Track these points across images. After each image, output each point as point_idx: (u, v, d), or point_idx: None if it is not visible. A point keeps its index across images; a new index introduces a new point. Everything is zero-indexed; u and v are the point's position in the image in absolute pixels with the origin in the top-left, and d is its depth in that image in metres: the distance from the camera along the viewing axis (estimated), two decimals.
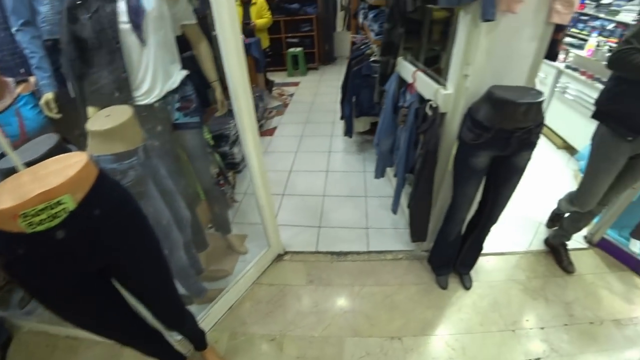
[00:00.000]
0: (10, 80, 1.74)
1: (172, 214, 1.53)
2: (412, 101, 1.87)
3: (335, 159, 3.38)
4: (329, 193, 2.89)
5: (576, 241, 2.28)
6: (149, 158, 1.37)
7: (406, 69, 2.09)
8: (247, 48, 4.13)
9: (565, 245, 2.20)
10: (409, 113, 1.87)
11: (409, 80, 2.00)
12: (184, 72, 1.69)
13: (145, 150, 1.34)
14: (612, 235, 2.25)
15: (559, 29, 1.46)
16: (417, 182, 1.73)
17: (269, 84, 5.19)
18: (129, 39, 1.44)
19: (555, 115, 3.53)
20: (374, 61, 2.81)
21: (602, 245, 2.28)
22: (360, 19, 4.25)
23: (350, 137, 3.29)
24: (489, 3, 1.20)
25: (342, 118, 3.30)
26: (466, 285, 2.02)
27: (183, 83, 1.67)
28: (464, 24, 1.44)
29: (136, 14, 1.42)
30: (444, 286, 2.03)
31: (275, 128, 4.19)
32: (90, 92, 1.52)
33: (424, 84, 1.80)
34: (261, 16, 4.63)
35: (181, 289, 1.64)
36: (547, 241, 2.30)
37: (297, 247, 2.40)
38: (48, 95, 1.73)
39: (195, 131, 1.80)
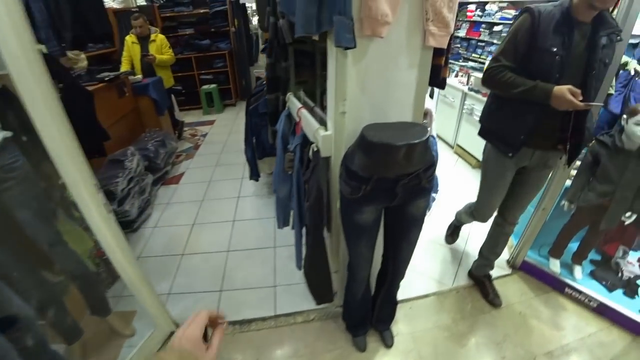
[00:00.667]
0: None
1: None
2: (297, 143, 1.62)
3: (243, 206, 3.04)
4: (234, 247, 2.53)
5: (500, 268, 2.20)
6: None
7: (294, 106, 1.86)
8: (145, 89, 3.74)
9: (489, 276, 2.10)
10: (294, 157, 1.61)
11: (294, 114, 1.77)
12: (1, 135, 1.35)
13: None
14: (532, 256, 2.21)
15: (439, 54, 1.32)
16: (308, 239, 1.46)
17: (178, 125, 4.78)
18: None
19: (467, 136, 3.75)
20: None
21: (525, 268, 2.22)
22: None
23: (257, 180, 3.00)
24: (343, 27, 0.99)
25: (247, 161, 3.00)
26: (387, 343, 1.76)
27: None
28: (331, 54, 1.23)
29: None
30: (362, 348, 1.75)
31: (182, 174, 3.76)
32: None
33: (308, 123, 1.57)
34: (162, 54, 4.27)
35: None
36: (470, 274, 2.18)
37: None
38: None
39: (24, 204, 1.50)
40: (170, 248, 2.61)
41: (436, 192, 2.75)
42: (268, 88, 2.03)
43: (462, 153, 3.83)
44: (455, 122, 3.90)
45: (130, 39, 4.06)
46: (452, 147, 4.07)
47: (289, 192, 2.01)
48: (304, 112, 1.66)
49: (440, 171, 3.05)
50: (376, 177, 1.10)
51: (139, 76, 3.89)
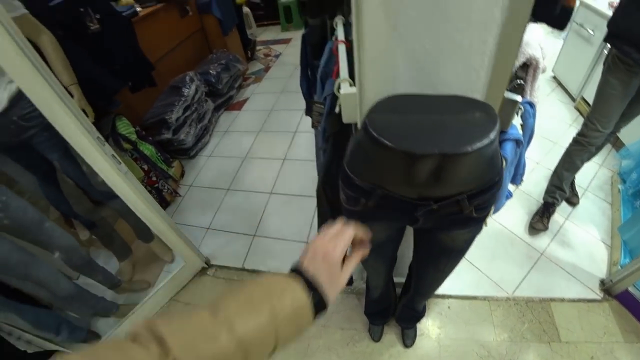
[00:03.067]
0: None
1: (46, 246, 1.49)
2: (329, 93, 1.26)
3: (298, 143, 2.80)
4: (277, 189, 2.37)
5: (587, 287, 1.62)
6: None
7: (339, 34, 1.44)
8: (207, 6, 3.47)
9: (552, 205, 1.87)
10: (323, 111, 1.26)
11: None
12: (15, 85, 1.30)
13: None
14: None
15: None
16: (319, 220, 1.18)
17: (250, 45, 4.51)
18: None
19: None
20: None
21: (624, 300, 1.55)
22: None
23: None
24: None
25: None
26: (406, 342, 1.51)
27: (16, 99, 1.34)
28: None
29: None
30: (375, 338, 1.54)
31: (246, 100, 3.61)
32: None
33: (341, 66, 1.18)
34: None
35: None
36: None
37: (224, 259, 2.00)
38: None
39: (52, 149, 1.54)
40: (219, 181, 2.57)
41: (510, 195, 2.12)
42: (309, 10, 1.61)
43: (585, 110, 2.71)
44: (587, 64, 2.63)
45: None
46: (573, 99, 2.91)
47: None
48: (342, 49, 1.25)
49: (544, 132, 2.38)
50: (381, 193, 0.72)
51: None
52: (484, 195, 0.72)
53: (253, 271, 1.90)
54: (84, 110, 1.56)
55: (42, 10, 1.66)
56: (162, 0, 3.00)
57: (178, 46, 3.22)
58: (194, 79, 3.00)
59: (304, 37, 2.25)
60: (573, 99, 2.91)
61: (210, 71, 3.25)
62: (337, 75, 1.32)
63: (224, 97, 3.42)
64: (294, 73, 4.00)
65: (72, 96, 1.53)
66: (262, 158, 2.70)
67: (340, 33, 1.41)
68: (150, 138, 2.57)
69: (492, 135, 0.63)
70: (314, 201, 2.20)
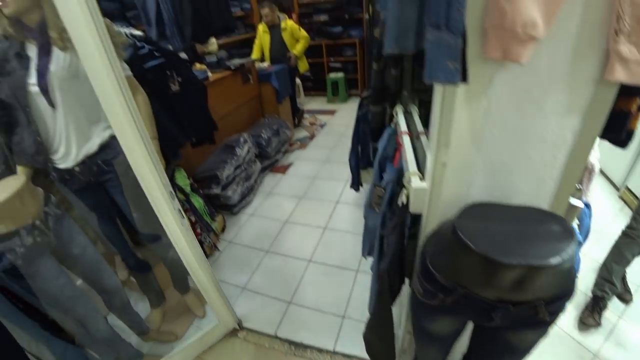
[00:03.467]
0: None
1: (93, 284, 1.57)
2: (391, 179, 1.34)
3: (340, 213, 2.86)
4: (316, 258, 2.39)
5: None
6: (52, 229, 1.33)
7: (401, 124, 1.56)
8: (268, 76, 3.82)
9: (602, 299, 1.77)
10: (384, 195, 1.33)
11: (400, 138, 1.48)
12: (108, 133, 1.52)
13: (38, 226, 1.26)
14: None
15: (629, 93, 0.82)
16: (370, 306, 1.19)
17: (298, 113, 4.83)
18: (40, 102, 1.35)
19: None
20: None
21: None
22: None
23: (357, 190, 2.77)
24: (440, 50, 0.63)
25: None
26: None
27: (105, 146, 1.52)
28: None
29: (41, 76, 1.31)
30: None
31: (290, 165, 3.78)
32: (15, 152, 1.48)
33: (407, 158, 1.26)
34: (297, 39, 4.33)
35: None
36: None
37: (256, 323, 1.98)
38: None
39: (121, 193, 1.66)
40: (259, 241, 2.62)
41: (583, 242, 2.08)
42: (373, 98, 1.76)
43: (630, 201, 2.70)
44: (631, 153, 2.68)
45: (261, 27, 4.23)
46: (617, 188, 2.90)
47: (379, 224, 1.74)
48: (407, 140, 1.35)
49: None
50: (462, 292, 0.75)
51: (266, 64, 4.01)
52: (559, 301, 0.75)
53: (285, 341, 1.86)
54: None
55: (138, 70, 1.90)
56: (230, 68, 3.35)
57: (236, 109, 3.52)
58: (247, 141, 3.22)
59: (359, 118, 2.42)
60: (617, 188, 2.89)
61: (262, 134, 3.49)
62: (398, 162, 1.41)
63: (271, 160, 3.61)
64: (338, 144, 4.20)
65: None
66: (303, 224, 2.76)
67: (402, 123, 1.52)
68: (201, 191, 2.72)
69: (572, 249, 0.67)
70: (353, 275, 2.23)
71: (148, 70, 2.00)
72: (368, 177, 2.64)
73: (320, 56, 5.96)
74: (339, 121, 4.99)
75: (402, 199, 1.15)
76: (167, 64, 2.08)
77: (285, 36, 4.31)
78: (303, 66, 4.62)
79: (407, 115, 1.68)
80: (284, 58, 4.28)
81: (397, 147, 1.51)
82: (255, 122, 3.84)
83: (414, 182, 1.05)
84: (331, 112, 5.36)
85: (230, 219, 2.94)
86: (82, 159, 1.49)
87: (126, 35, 1.95)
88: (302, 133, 4.61)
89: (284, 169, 3.68)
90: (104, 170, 1.55)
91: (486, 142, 0.86)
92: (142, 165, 1.31)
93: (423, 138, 1.42)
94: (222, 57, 4.53)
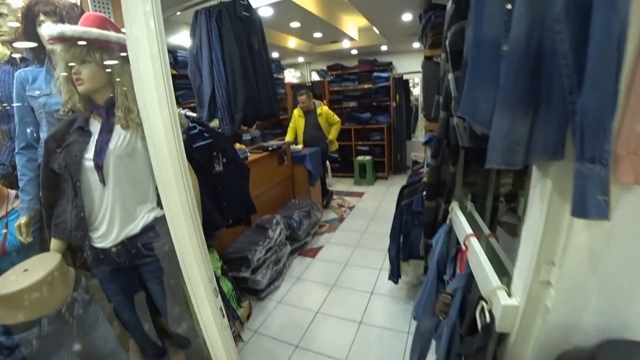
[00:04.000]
0: (12, 192, 1.75)
1: None
2: (459, 286, 1.20)
3: (375, 305, 2.64)
4: (352, 358, 2.13)
5: None
6: (76, 316, 1.24)
7: (460, 223, 1.46)
8: (302, 159, 3.89)
9: None
10: (452, 304, 1.18)
11: (461, 240, 1.36)
12: (153, 215, 1.44)
13: (63, 313, 1.17)
14: None
15: None
16: None
17: (327, 194, 4.83)
18: (91, 177, 1.33)
19: None
20: None
21: None
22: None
23: (396, 282, 2.59)
24: (592, 184, 0.58)
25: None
26: None
27: (147, 229, 1.45)
28: (538, 188, 0.82)
29: (99, 152, 1.31)
30: None
31: (320, 248, 3.65)
32: (54, 224, 1.44)
33: (479, 266, 1.13)
34: (330, 123, 4.56)
35: None
36: None
37: None
38: (22, 219, 1.62)
39: (155, 279, 1.56)
40: (287, 333, 2.39)
41: None
42: (428, 193, 1.69)
43: None
44: None
45: (297, 112, 4.47)
46: None
47: (434, 328, 1.55)
48: (475, 244, 1.23)
49: None
50: None
51: (300, 146, 4.12)
52: None
53: None
54: None
55: (187, 150, 1.91)
56: (267, 149, 3.43)
57: (270, 189, 3.52)
58: (280, 222, 3.15)
59: (402, 209, 2.34)
60: None
61: (294, 216, 3.42)
62: (465, 267, 1.28)
63: (300, 242, 3.50)
64: (368, 228, 4.08)
65: None
66: (336, 317, 2.54)
67: (464, 224, 1.42)
68: (230, 273, 2.59)
69: None
70: None
71: (196, 150, 2.02)
72: (409, 269, 2.48)
73: (349, 139, 6.15)
74: (367, 204, 4.93)
75: (480, 312, 1.00)
76: (214, 144, 2.12)
77: (321, 121, 4.52)
78: (333, 146, 4.76)
79: (462, 211, 1.59)
80: (316, 141, 4.42)
81: (458, 250, 1.40)
82: (286, 202, 3.82)
83: (502, 298, 0.91)
84: (359, 195, 5.33)
85: (256, 305, 2.75)
86: (122, 239, 1.41)
87: (181, 116, 2.02)
88: (330, 215, 4.54)
89: (313, 253, 3.54)
90: (143, 254, 1.47)
91: (605, 265, 0.75)
92: (190, 255, 1.22)
93: (493, 242, 1.31)
94: (255, 136, 4.72)
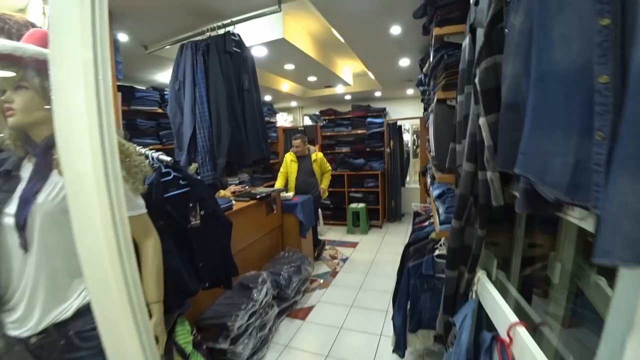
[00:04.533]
0: None
1: None
2: None
3: None
4: None
5: None
6: None
7: (493, 301, 1.15)
8: (293, 208, 3.58)
9: None
10: None
11: (499, 327, 1.05)
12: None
13: None
14: None
15: None
16: None
17: (319, 245, 4.48)
18: (9, 238, 0.99)
19: None
20: (440, 256, 1.92)
21: None
22: (428, 182, 3.57)
23: (402, 356, 2.21)
24: None
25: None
26: None
27: (84, 311, 1.05)
28: None
29: (23, 206, 0.97)
30: None
31: (311, 308, 3.24)
32: None
33: None
34: (324, 171, 4.43)
35: None
36: None
37: None
38: None
39: None
40: None
41: None
42: (449, 261, 1.39)
43: None
44: None
45: (289, 156, 4.24)
46: None
47: None
48: (526, 337, 0.92)
49: None
50: None
51: (290, 194, 3.83)
52: None
53: None
54: (156, 337, 1.28)
55: (157, 200, 1.61)
56: (255, 197, 3.13)
57: (257, 241, 3.17)
58: (266, 281, 2.78)
59: (408, 271, 2.03)
60: None
61: (283, 273, 3.06)
62: None
63: (289, 302, 3.10)
64: (364, 284, 3.71)
65: (150, 316, 1.26)
66: None
67: (503, 306, 1.11)
68: (204, 345, 2.18)
69: None
70: None
71: (168, 200, 1.71)
72: (417, 341, 2.11)
73: (342, 186, 5.91)
74: (361, 256, 4.57)
75: None
76: (191, 193, 1.82)
77: (315, 167, 4.33)
78: (324, 194, 4.52)
79: (493, 284, 1.28)
80: (309, 188, 4.17)
81: (495, 337, 1.08)
82: (274, 255, 3.45)
83: None
84: (353, 245, 4.99)
85: None
86: (47, 326, 1.02)
87: (152, 159, 1.73)
88: (322, 268, 4.17)
89: (304, 314, 3.13)
90: (76, 346, 1.05)
91: None
92: (128, 346, 0.86)
93: (546, 331, 1.00)
94: (244, 181, 4.43)
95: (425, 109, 5.37)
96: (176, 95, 2.02)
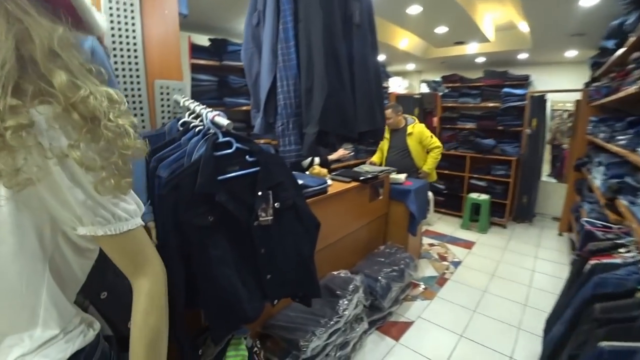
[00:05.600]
0: None
1: None
2: None
3: None
4: None
5: None
6: None
7: None
8: (404, 195, 2.82)
9: None
10: None
11: None
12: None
13: None
14: None
15: None
16: None
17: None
18: None
19: None
20: None
21: None
22: (598, 183, 2.48)
23: None
24: None
25: None
26: None
27: None
28: None
29: None
30: None
31: (409, 325, 2.53)
32: None
33: None
34: (428, 148, 3.49)
35: None
36: None
37: None
38: None
39: None
40: None
41: None
42: None
43: None
44: None
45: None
46: None
47: None
48: None
49: None
50: None
51: (402, 176, 3.00)
52: None
53: None
54: None
55: (205, 184, 1.05)
56: (358, 179, 2.46)
57: (353, 232, 2.54)
58: (359, 289, 2.15)
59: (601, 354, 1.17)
60: None
61: (380, 278, 2.38)
62: None
63: (382, 314, 2.45)
64: (480, 306, 2.81)
65: None
66: None
67: None
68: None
69: None
70: None
71: (224, 185, 1.14)
72: None
73: (461, 169, 4.87)
74: (477, 262, 3.62)
75: None
76: (262, 176, 1.22)
77: (411, 142, 3.44)
78: (431, 178, 3.62)
79: None
80: (402, 171, 3.25)
81: None
82: (372, 250, 2.78)
83: None
84: (467, 245, 4.04)
85: None
86: None
87: (205, 119, 1.16)
88: (427, 269, 3.37)
89: (398, 331, 2.45)
90: None
91: None
92: None
93: None
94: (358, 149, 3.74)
95: (595, 79, 3.96)
96: (253, 33, 1.41)
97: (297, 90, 1.24)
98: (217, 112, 1.14)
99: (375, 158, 3.68)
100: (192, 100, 1.33)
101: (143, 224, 0.72)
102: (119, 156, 0.63)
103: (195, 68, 2.91)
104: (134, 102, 1.42)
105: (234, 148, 1.16)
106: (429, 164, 3.48)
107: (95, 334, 0.78)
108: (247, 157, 1.21)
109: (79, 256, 0.72)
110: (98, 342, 0.77)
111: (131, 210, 0.68)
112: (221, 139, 1.14)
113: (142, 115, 1.46)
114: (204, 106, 1.23)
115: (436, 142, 3.49)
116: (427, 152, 3.51)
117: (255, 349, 1.65)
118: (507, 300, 2.87)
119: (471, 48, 4.40)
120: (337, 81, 1.28)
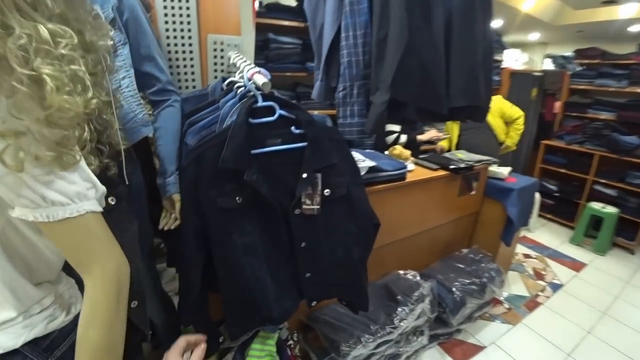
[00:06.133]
0: None
1: None
2: None
3: None
4: None
5: None
6: None
7: None
8: (505, 194, 2.34)
9: None
10: None
11: None
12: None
13: None
14: None
15: None
16: None
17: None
18: None
19: None
20: None
21: None
22: None
23: None
24: None
25: None
26: None
27: None
28: None
29: None
30: None
31: (479, 349, 2.13)
32: None
33: None
34: (509, 120, 3.10)
35: None
36: None
37: None
38: None
39: None
40: None
41: None
42: None
43: None
44: None
45: None
46: None
47: None
48: None
49: None
50: None
51: (505, 170, 2.44)
52: None
53: None
54: None
55: (230, 158, 0.84)
56: (448, 167, 2.06)
57: (432, 229, 2.18)
58: (425, 299, 1.82)
59: None
60: None
61: (455, 290, 2.00)
62: None
63: (448, 330, 2.08)
64: (581, 346, 2.25)
65: None
66: None
67: None
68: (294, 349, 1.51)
69: None
70: None
71: (257, 161, 0.91)
72: None
73: (583, 169, 3.97)
74: (586, 291, 2.91)
75: None
76: (309, 155, 0.96)
77: (491, 119, 3.01)
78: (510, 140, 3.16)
79: None
80: (481, 148, 2.72)
81: None
82: (453, 251, 2.38)
83: None
84: (575, 266, 3.30)
85: None
86: None
87: (245, 78, 0.93)
88: (516, 285, 2.83)
89: (462, 355, 2.07)
90: None
91: None
92: None
93: None
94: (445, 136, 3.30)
95: None
96: None
97: (367, 45, 0.92)
98: (258, 69, 0.90)
99: (443, 143, 3.20)
100: (242, 57, 1.11)
101: (96, 209, 0.57)
102: (39, 118, 0.45)
103: (277, 29, 2.71)
104: (184, 59, 1.29)
105: (276, 115, 0.92)
106: (513, 138, 3.11)
107: (70, 319, 0.69)
108: (292, 128, 0.95)
109: (44, 237, 0.62)
110: (73, 329, 0.66)
111: (71, 193, 0.53)
112: (261, 103, 0.90)
113: (192, 73, 1.33)
114: (249, 62, 0.99)
115: (518, 110, 3.09)
116: (507, 124, 3.13)
117: (290, 342, 1.48)
118: (615, 351, 2.23)
119: (626, 10, 3.33)
120: (424, 32, 0.91)
